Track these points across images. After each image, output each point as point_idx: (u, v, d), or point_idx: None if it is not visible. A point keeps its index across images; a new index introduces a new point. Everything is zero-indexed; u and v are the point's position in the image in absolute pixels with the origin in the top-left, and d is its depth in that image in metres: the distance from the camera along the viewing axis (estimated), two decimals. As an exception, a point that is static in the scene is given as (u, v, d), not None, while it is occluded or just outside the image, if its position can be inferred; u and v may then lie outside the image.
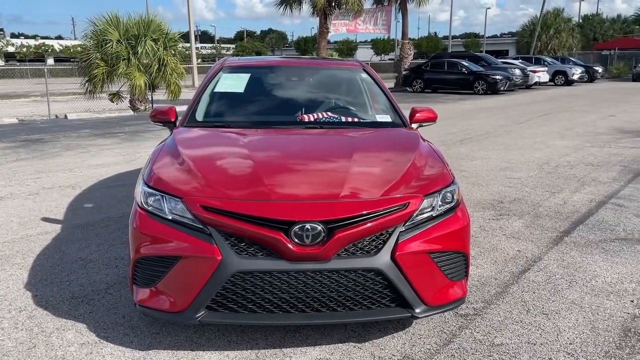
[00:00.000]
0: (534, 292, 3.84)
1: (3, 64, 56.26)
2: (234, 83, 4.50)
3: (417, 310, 2.95)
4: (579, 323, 3.40)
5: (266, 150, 3.55)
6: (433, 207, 3.07)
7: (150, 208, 3.01)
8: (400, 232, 2.91)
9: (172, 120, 4.22)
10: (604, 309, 3.60)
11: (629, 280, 4.06)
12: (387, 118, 4.35)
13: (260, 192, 2.92)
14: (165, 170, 3.22)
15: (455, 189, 3.23)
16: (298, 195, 2.95)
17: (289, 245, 2.75)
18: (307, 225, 2.75)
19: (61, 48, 63.22)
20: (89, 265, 4.26)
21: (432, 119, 4.52)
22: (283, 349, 3.06)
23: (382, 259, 2.83)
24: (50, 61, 60.17)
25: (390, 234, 2.90)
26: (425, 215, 3.02)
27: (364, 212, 2.84)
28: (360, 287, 2.86)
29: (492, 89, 25.07)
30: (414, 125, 4.43)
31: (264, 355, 3.00)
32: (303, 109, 4.32)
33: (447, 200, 3.15)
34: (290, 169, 3.25)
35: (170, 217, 2.92)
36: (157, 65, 16.26)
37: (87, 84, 16.28)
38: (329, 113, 4.30)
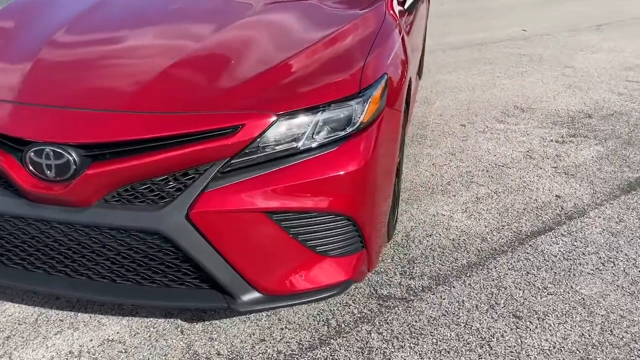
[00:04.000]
0: (526, 274, 2.44)
1: None
2: None
3: (243, 299, 1.84)
4: (568, 334, 2.02)
5: (86, 31, 2.30)
6: (302, 133, 1.80)
7: None
8: (219, 172, 1.73)
9: None
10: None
11: None
12: None
13: (8, 91, 1.87)
14: None
15: (357, 106, 1.88)
16: (59, 101, 1.82)
17: (17, 179, 1.73)
18: (48, 149, 1.69)
19: None
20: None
21: None
22: (79, 315, 2.16)
23: (171, 216, 1.71)
24: None
25: (201, 175, 1.73)
26: (279, 148, 1.78)
27: (151, 135, 1.69)
28: (141, 254, 1.80)
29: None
30: None
31: (44, 321, 2.13)
32: None
33: (336, 123, 1.85)
34: (88, 61, 2.05)
35: None
36: None
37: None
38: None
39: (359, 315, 2.17)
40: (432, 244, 2.65)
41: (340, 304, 2.23)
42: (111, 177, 1.70)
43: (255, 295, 1.84)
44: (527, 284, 2.38)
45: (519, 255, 2.58)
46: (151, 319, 2.13)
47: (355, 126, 1.87)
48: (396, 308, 2.21)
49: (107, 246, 1.79)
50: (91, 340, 2.03)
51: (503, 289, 2.34)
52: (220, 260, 1.76)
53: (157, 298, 1.86)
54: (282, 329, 2.10)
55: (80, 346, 2.00)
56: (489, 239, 2.70)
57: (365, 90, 1.91)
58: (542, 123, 4.28)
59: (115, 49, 2.12)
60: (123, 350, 1.98)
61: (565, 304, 2.26)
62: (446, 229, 2.78)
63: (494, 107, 4.61)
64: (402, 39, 2.52)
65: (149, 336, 2.05)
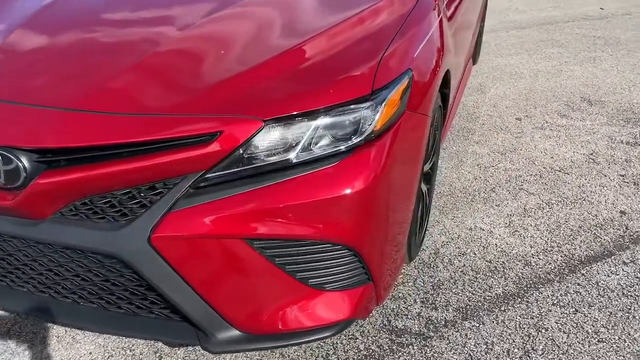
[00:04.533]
0: (574, 313, 2.03)
1: None
2: None
3: (219, 337, 1.56)
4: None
5: (57, 15, 1.99)
6: (296, 144, 1.47)
7: None
8: (191, 188, 1.44)
9: None
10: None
11: None
12: None
13: None
14: None
15: (367, 111, 1.53)
16: (10, 96, 1.56)
17: (-37, 185, 1.50)
18: (-4, 152, 1.45)
19: None
20: None
21: None
22: (54, 327, 1.96)
23: (130, 239, 1.44)
24: None
25: (169, 190, 1.44)
26: (266, 161, 1.46)
27: (110, 142, 1.41)
28: (102, 278, 1.54)
29: None
30: None
31: (16, 333, 1.94)
32: None
33: (339, 131, 1.51)
34: (51, 50, 1.76)
35: None
36: None
37: None
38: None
39: (365, 352, 1.86)
40: (465, 265, 2.28)
41: (345, 336, 1.92)
42: (65, 188, 1.44)
43: (233, 333, 1.56)
44: (574, 325, 1.98)
45: (567, 286, 2.17)
46: (129, 339, 1.89)
47: (364, 135, 1.52)
48: (410, 347, 1.88)
49: (64, 266, 1.54)
50: (59, 361, 1.82)
51: (543, 331, 1.95)
52: (190, 292, 1.48)
53: (122, 327, 1.61)
54: (273, 363, 1.81)
55: (46, 367, 1.79)
56: (533, 264, 2.30)
57: (379, 91, 1.56)
58: (612, 120, 3.74)
59: (86, 36, 1.83)
60: (91, 376, 1.76)
61: (619, 356, 1.85)
62: (483, 247, 2.40)
63: (557, 98, 4.09)
64: (440, 22, 2.12)
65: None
